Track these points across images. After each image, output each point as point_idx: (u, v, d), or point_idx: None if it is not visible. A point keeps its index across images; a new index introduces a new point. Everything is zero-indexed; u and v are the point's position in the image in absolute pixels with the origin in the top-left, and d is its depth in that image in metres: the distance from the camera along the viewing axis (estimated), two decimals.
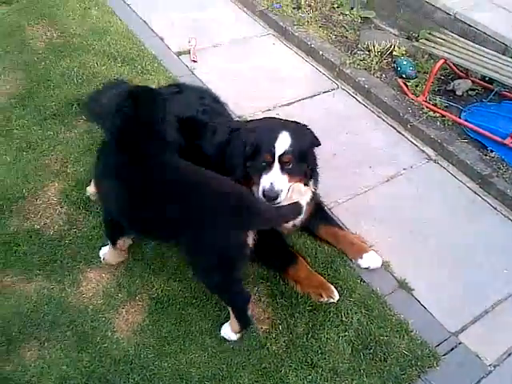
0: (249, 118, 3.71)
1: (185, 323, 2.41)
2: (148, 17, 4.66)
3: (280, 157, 2.43)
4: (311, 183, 2.68)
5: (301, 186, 2.59)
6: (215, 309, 2.48)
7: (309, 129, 2.65)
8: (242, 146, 2.50)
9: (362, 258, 2.77)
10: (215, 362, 2.29)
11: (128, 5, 4.80)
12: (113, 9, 4.65)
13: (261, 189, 2.43)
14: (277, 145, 2.43)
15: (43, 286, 2.46)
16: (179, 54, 4.27)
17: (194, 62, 4.20)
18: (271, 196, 2.39)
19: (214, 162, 2.61)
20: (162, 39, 4.41)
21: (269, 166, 2.44)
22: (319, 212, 2.91)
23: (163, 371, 2.23)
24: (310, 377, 2.29)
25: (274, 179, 2.42)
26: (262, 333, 2.42)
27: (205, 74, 4.06)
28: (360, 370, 2.33)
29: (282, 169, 2.44)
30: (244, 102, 3.86)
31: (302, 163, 2.53)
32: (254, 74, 4.21)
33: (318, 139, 2.63)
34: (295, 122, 2.69)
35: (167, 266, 2.63)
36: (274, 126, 2.56)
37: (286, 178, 2.45)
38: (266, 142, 2.45)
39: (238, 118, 3.61)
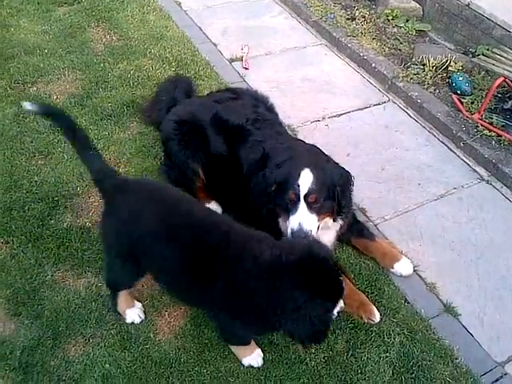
0: (297, 128, 3.73)
1: None
2: (203, 23, 4.75)
3: (305, 196, 2.35)
4: (340, 218, 2.56)
5: (329, 221, 2.51)
6: None
7: (336, 164, 2.58)
8: (266, 183, 2.43)
9: (393, 267, 2.74)
10: (254, 373, 2.29)
11: (184, 11, 4.90)
12: (169, 14, 4.75)
13: (289, 230, 2.36)
14: (301, 184, 2.34)
15: (92, 283, 2.53)
16: (231, 60, 4.32)
17: (246, 69, 4.23)
18: (301, 237, 2.30)
19: (246, 174, 2.65)
20: (215, 45, 4.48)
21: (295, 205, 2.36)
22: (353, 224, 2.83)
23: (202, 377, 2.25)
24: None
25: (302, 220, 2.33)
26: (301, 348, 2.40)
27: (255, 82, 4.09)
28: None
29: (310, 207, 2.35)
30: (293, 111, 3.87)
31: (331, 200, 2.43)
32: (304, 84, 4.20)
33: (347, 175, 2.55)
34: (324, 154, 2.63)
35: None
36: (299, 162, 2.42)
37: (314, 217, 2.37)
38: (290, 180, 2.36)
39: (286, 127, 3.61)
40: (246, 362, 2.30)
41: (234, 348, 2.33)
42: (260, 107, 3.02)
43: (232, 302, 1.92)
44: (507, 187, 3.47)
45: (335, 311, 1.83)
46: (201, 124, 2.88)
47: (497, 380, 2.41)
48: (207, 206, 2.93)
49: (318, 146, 2.74)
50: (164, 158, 3.13)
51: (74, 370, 2.22)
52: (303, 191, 2.34)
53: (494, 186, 3.49)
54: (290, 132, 3.44)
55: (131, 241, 2.03)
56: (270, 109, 3.17)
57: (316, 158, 2.54)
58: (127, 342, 2.33)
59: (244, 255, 1.87)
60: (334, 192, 2.43)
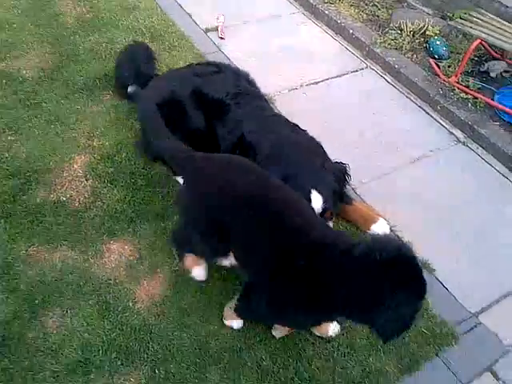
0: (274, 97, 3.69)
1: (205, 296, 2.44)
2: None
3: (320, 214, 2.36)
4: None
5: None
6: (236, 282, 2.50)
7: (344, 167, 2.60)
8: None
9: (370, 228, 2.78)
10: (234, 335, 2.32)
11: None
12: None
13: None
14: (314, 207, 2.33)
15: (68, 256, 2.51)
16: (207, 30, 4.25)
17: (222, 39, 4.17)
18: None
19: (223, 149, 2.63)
20: (190, 15, 4.39)
21: None
22: None
23: (182, 341, 2.27)
24: (327, 351, 2.30)
25: None
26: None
27: (232, 52, 4.03)
28: (377, 347, 2.33)
29: (325, 220, 2.40)
30: (270, 79, 3.82)
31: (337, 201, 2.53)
32: (281, 52, 4.16)
33: (345, 170, 2.59)
34: (317, 147, 2.61)
35: None
36: (302, 180, 2.36)
37: (331, 224, 2.49)
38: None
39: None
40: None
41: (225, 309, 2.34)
42: (241, 81, 2.97)
43: (301, 287, 1.87)
44: (483, 148, 3.50)
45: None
46: (180, 99, 2.81)
47: (471, 329, 2.48)
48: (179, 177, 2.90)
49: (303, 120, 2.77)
50: (141, 134, 3.07)
51: (53, 341, 2.21)
52: (317, 211, 2.34)
53: (470, 148, 3.52)
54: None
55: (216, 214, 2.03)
56: (252, 83, 3.12)
57: (314, 164, 2.48)
58: (106, 312, 2.32)
59: (329, 245, 1.84)
60: (339, 193, 2.53)
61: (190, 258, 2.40)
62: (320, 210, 2.36)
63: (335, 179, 2.50)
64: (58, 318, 2.29)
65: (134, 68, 3.27)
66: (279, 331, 2.32)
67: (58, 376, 2.11)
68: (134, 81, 3.24)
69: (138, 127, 3.11)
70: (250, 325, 2.35)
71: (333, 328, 2.33)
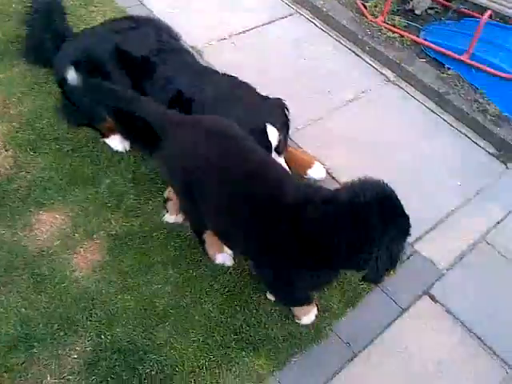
0: (203, 49, 3.57)
1: (146, 257, 2.40)
2: None
3: (276, 148, 2.38)
4: None
5: None
6: (176, 240, 2.47)
7: (280, 100, 2.56)
8: None
9: (306, 173, 2.80)
10: (179, 291, 2.31)
11: None
12: None
13: None
14: (271, 140, 2.34)
15: None
16: None
17: None
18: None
19: None
20: None
21: None
22: None
23: (126, 304, 2.23)
24: None
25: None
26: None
27: (155, 4, 3.82)
28: None
29: (279, 154, 2.42)
30: (197, 31, 3.69)
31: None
32: (205, 3, 3.99)
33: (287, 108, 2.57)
34: (265, 98, 2.55)
35: (123, 203, 2.58)
36: (254, 116, 2.35)
37: (282, 159, 2.46)
38: (259, 143, 2.27)
39: (190, 49, 3.45)
40: (305, 320, 2.27)
41: (295, 310, 2.27)
42: (163, 36, 2.81)
43: (294, 250, 1.83)
44: (411, 85, 3.57)
45: None
46: (100, 60, 2.61)
47: (408, 258, 2.60)
48: (110, 138, 2.80)
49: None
50: (62, 98, 2.89)
51: None
52: (274, 145, 2.36)
53: (399, 86, 3.58)
54: (195, 53, 3.28)
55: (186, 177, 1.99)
56: (176, 38, 2.97)
57: (259, 102, 2.47)
58: (42, 284, 2.24)
59: (313, 198, 1.81)
60: (285, 127, 2.51)
61: (209, 243, 2.35)
62: (276, 143, 2.38)
63: (281, 112, 2.51)
64: None
65: (48, 28, 3.02)
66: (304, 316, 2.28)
67: None
68: (50, 42, 3.00)
69: (58, 91, 2.92)
70: (194, 280, 2.35)
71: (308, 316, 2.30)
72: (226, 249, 2.42)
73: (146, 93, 2.56)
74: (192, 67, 2.69)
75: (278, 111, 2.50)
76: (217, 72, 2.73)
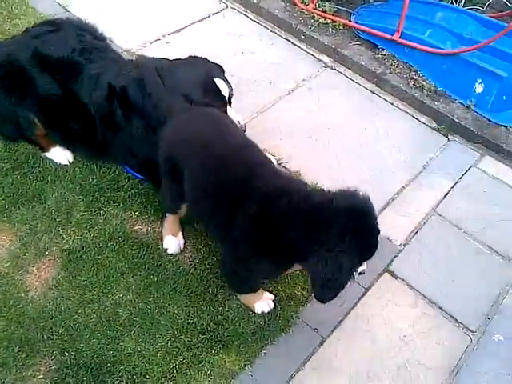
0: (137, 51, 3.51)
1: (103, 268, 2.35)
2: None
3: (229, 99, 2.45)
4: None
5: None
6: (133, 247, 2.43)
7: (204, 58, 2.56)
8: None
9: None
10: (141, 298, 2.27)
11: None
12: None
13: None
14: (224, 93, 2.39)
15: None
16: None
17: None
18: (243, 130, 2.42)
19: (96, 114, 2.47)
20: None
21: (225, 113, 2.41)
22: None
23: (88, 317, 2.18)
24: None
25: (237, 118, 2.44)
26: (185, 260, 2.42)
27: (81, 10, 3.72)
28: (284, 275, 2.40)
29: (230, 105, 2.47)
30: (130, 34, 3.64)
31: None
32: (133, 5, 3.93)
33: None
34: (190, 57, 2.55)
35: (74, 216, 2.51)
36: (199, 79, 2.37)
37: (233, 111, 2.49)
38: (214, 97, 2.36)
39: (125, 52, 3.39)
40: (258, 308, 2.28)
41: (243, 298, 2.29)
42: (86, 36, 2.73)
43: (257, 235, 1.84)
44: (349, 69, 3.65)
45: (359, 269, 1.84)
46: (20, 65, 2.53)
47: None
48: (51, 152, 2.73)
49: None
50: None
51: None
52: (227, 95, 2.42)
53: (337, 71, 3.65)
54: (130, 56, 3.22)
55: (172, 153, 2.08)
56: (100, 37, 2.89)
57: (196, 64, 2.49)
58: None
59: (289, 190, 1.83)
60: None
61: (168, 225, 2.42)
62: (228, 94, 2.42)
63: (220, 69, 2.54)
64: None
65: None
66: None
67: None
68: None
69: None
70: (156, 285, 2.32)
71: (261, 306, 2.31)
72: (179, 234, 2.44)
73: (76, 93, 2.50)
74: (118, 61, 2.64)
75: (211, 65, 2.52)
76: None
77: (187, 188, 2.05)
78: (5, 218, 2.45)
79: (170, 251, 2.44)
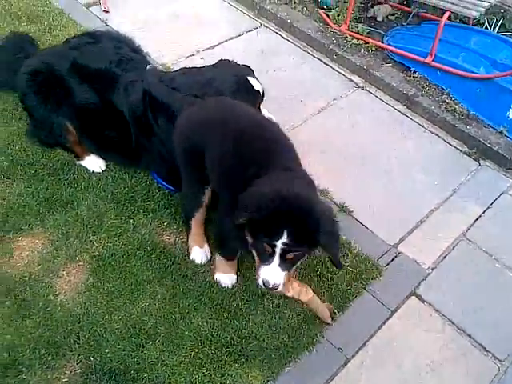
0: (172, 66, 3.59)
1: (131, 275, 2.37)
2: None
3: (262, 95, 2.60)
4: None
5: None
6: (160, 257, 2.45)
7: (232, 61, 2.75)
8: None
9: None
10: (167, 308, 2.28)
11: None
12: None
13: None
14: (258, 89, 2.52)
15: None
16: (88, 5, 3.99)
17: (106, 12, 3.95)
18: None
19: (131, 119, 2.54)
20: None
21: (259, 110, 2.63)
22: None
23: (114, 324, 2.20)
24: (262, 305, 2.34)
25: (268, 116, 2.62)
26: (211, 273, 2.42)
27: (120, 25, 3.83)
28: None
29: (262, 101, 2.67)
30: (165, 49, 3.72)
31: None
32: (172, 20, 4.03)
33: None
34: (221, 60, 2.73)
35: (104, 224, 2.55)
36: (233, 78, 2.48)
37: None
38: (249, 93, 2.47)
39: (160, 66, 3.47)
40: (218, 276, 2.38)
41: (217, 258, 2.37)
42: (123, 48, 2.82)
43: None
44: (380, 90, 3.65)
45: None
46: (59, 74, 2.63)
47: (392, 259, 2.63)
48: (85, 160, 2.79)
49: None
50: (29, 119, 2.86)
51: None
52: (261, 91, 2.59)
53: (368, 91, 3.66)
54: (164, 70, 3.29)
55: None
56: (137, 50, 2.98)
57: (228, 64, 2.69)
58: (25, 310, 2.19)
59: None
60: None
61: (193, 233, 2.45)
62: (262, 90, 2.50)
63: (243, 66, 2.66)
64: None
65: (17, 57, 2.99)
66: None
67: None
68: (17, 66, 2.96)
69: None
70: (181, 295, 2.33)
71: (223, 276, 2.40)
72: (205, 246, 2.47)
73: (113, 102, 2.57)
74: (154, 71, 2.72)
75: (241, 67, 2.64)
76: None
77: (210, 162, 2.12)
78: (38, 222, 2.50)
79: (197, 262, 2.46)
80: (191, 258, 2.47)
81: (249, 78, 2.46)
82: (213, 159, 2.11)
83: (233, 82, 2.42)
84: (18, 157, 2.76)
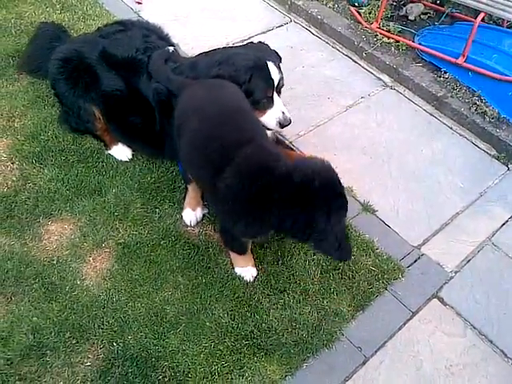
0: None
1: (155, 264, 2.41)
2: None
3: (277, 86, 2.48)
4: None
5: None
6: (184, 247, 2.48)
7: (266, 44, 2.66)
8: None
9: None
10: (189, 298, 2.31)
11: None
12: None
13: (275, 121, 2.50)
14: (273, 77, 2.43)
15: (3, 243, 2.38)
16: None
17: (139, 3, 3.99)
18: (287, 124, 2.53)
19: (155, 102, 2.56)
20: None
21: (271, 99, 2.47)
22: None
23: (137, 311, 2.24)
24: (282, 300, 2.35)
25: (282, 108, 2.51)
26: (233, 265, 2.44)
27: (152, 16, 3.82)
28: (330, 289, 2.41)
29: (279, 95, 2.53)
30: (195, 42, 3.73)
31: None
32: (203, 13, 4.05)
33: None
34: (252, 43, 2.68)
35: (131, 212, 2.59)
36: (252, 58, 2.44)
37: (279, 99, 2.53)
38: (262, 78, 2.41)
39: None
40: (238, 271, 2.41)
41: (231, 254, 2.41)
42: (151, 36, 2.85)
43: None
44: (409, 89, 3.62)
45: None
46: (88, 62, 2.68)
47: (415, 261, 2.61)
48: (113, 149, 2.83)
49: None
50: (60, 106, 2.92)
51: (1, 329, 2.12)
52: (276, 83, 2.46)
53: (397, 91, 3.63)
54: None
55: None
56: (166, 39, 3.01)
57: (258, 48, 2.58)
58: (52, 293, 2.24)
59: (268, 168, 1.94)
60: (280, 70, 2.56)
61: (189, 196, 2.56)
62: (278, 79, 2.46)
63: (277, 56, 2.61)
64: (4, 306, 2.19)
65: (50, 46, 3.05)
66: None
67: (11, 363, 2.04)
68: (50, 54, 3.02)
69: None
70: (204, 286, 2.36)
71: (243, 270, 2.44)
72: (198, 209, 2.56)
73: (139, 88, 2.61)
74: (177, 57, 2.74)
75: (271, 51, 2.60)
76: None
77: (182, 147, 2.19)
78: (67, 208, 2.56)
79: (186, 223, 2.57)
80: (182, 218, 2.57)
81: (269, 63, 2.44)
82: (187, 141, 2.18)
83: (251, 61, 2.40)
84: (49, 143, 2.82)
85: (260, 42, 2.69)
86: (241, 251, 2.35)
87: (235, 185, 1.93)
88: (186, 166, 2.37)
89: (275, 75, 2.44)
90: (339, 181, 1.94)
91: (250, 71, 2.37)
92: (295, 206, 1.87)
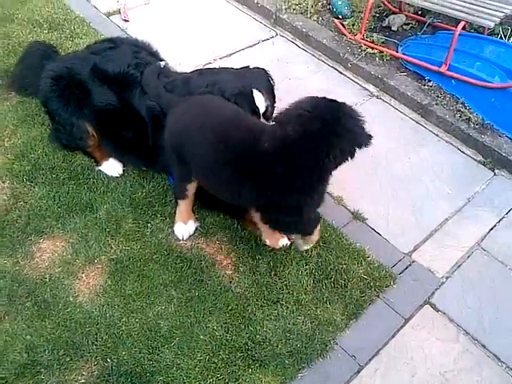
0: None
1: (148, 279, 2.42)
2: None
3: (264, 113, 2.47)
4: None
5: None
6: (177, 261, 2.49)
7: (264, 70, 2.69)
8: None
9: None
10: (182, 311, 2.32)
11: None
12: None
13: None
14: (258, 105, 2.43)
15: None
16: (109, 14, 4.09)
17: (126, 21, 4.04)
18: None
19: (148, 117, 2.58)
20: (88, 0, 4.20)
21: None
22: None
23: (131, 326, 2.24)
24: (276, 311, 2.36)
25: None
26: (226, 277, 2.46)
27: (139, 33, 3.88)
28: (323, 299, 2.43)
29: (266, 120, 2.50)
30: (183, 57, 3.78)
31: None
32: (189, 29, 4.10)
33: (271, 77, 2.68)
34: (248, 68, 2.70)
35: (122, 228, 2.60)
36: (238, 86, 2.46)
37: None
38: (246, 105, 2.41)
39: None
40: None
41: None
42: (141, 53, 2.89)
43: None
44: (395, 98, 3.68)
45: None
46: (80, 78, 2.71)
47: (406, 268, 2.64)
48: (103, 165, 2.84)
49: None
50: (51, 124, 2.94)
51: None
52: (262, 110, 2.46)
53: (383, 100, 3.69)
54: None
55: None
56: (155, 54, 3.05)
57: (248, 74, 2.60)
58: (46, 311, 2.24)
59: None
60: (271, 94, 2.59)
61: (180, 210, 2.59)
62: (264, 108, 2.46)
63: (266, 80, 2.62)
64: None
65: (39, 65, 3.07)
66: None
67: (6, 382, 2.04)
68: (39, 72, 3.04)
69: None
70: (197, 299, 2.36)
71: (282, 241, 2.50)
72: (189, 222, 2.59)
73: (131, 103, 2.63)
74: (169, 72, 2.77)
75: (262, 79, 2.60)
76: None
77: (197, 166, 2.27)
78: (59, 225, 2.56)
79: (178, 236, 2.58)
80: (174, 232, 2.60)
81: (254, 91, 2.45)
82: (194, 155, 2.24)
83: (236, 88, 2.43)
84: (39, 161, 2.83)
85: (257, 67, 2.71)
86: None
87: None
88: (205, 180, 2.37)
89: (260, 103, 2.44)
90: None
91: (233, 98, 2.40)
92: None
